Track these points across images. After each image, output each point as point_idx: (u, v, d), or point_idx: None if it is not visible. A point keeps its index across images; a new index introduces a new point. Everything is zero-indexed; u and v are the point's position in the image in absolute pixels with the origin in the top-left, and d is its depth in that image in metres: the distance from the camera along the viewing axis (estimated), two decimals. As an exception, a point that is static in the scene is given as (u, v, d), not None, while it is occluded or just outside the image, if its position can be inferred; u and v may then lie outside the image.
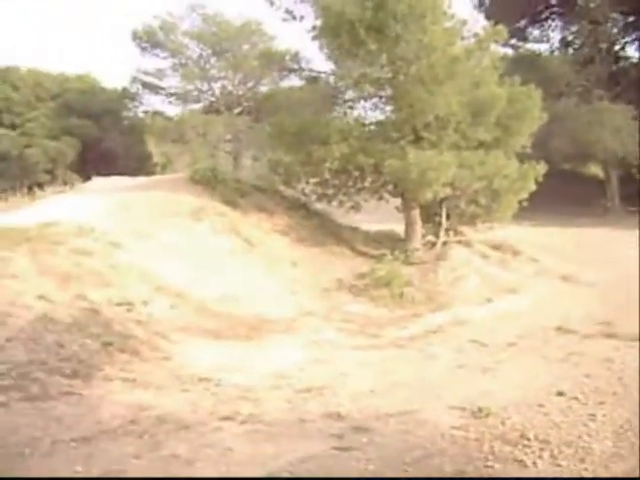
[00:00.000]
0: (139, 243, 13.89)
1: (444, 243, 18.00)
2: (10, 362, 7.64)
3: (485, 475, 5.41)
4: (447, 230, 18.42)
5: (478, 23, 16.98)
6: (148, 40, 34.97)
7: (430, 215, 18.58)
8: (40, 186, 20.43)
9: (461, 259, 16.94)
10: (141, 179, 20.42)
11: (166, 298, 11.85)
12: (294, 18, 16.71)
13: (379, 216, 21.04)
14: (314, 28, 16.14)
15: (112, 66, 70.02)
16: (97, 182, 20.35)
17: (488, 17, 31.23)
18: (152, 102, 37.45)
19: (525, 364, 9.28)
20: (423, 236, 18.50)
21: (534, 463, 5.63)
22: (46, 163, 31.41)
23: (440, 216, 18.16)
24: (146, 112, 37.99)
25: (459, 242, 18.24)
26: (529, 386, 7.98)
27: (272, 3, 16.70)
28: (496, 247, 18.52)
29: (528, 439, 6.14)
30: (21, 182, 24.30)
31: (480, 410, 6.85)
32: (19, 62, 36.63)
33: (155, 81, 36.58)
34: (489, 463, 5.60)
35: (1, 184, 25.86)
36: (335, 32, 15.01)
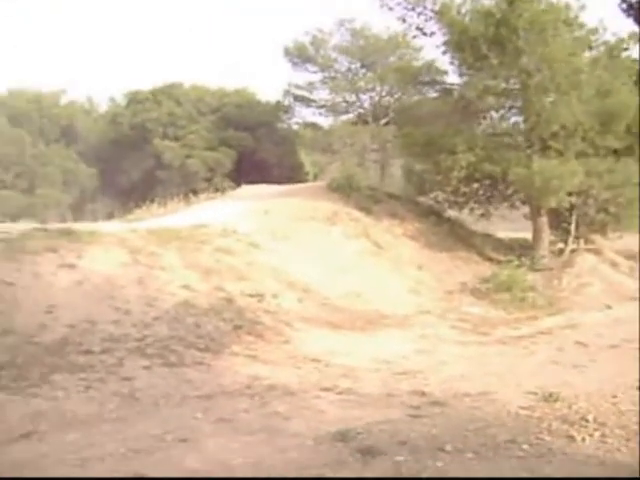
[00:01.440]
0: (275, 244, 15.40)
1: (572, 250, 18.27)
2: (155, 336, 9.31)
3: (535, 444, 6.18)
4: (576, 238, 18.66)
5: (607, 30, 17.01)
6: (299, 55, 36.89)
7: (560, 222, 18.89)
8: (196, 193, 22.65)
9: (588, 266, 17.18)
10: (284, 187, 22.08)
11: (295, 293, 13.24)
12: (424, 34, 17.70)
13: (522, 224, 21.47)
14: (444, 44, 17.15)
15: (267, 80, 73.65)
16: (245, 189, 22.30)
17: (638, 20, 30.61)
18: (303, 114, 39.40)
19: (618, 363, 9.69)
20: (553, 243, 18.84)
21: (583, 439, 6.30)
22: (205, 172, 34.14)
23: (569, 224, 18.43)
24: (298, 124, 40.04)
25: (588, 250, 18.42)
26: (611, 381, 8.48)
27: (404, 21, 17.77)
28: (630, 256, 18.48)
29: (586, 420, 6.78)
30: (181, 190, 26.80)
31: (551, 395, 7.55)
32: (183, 78, 39.79)
33: (306, 94, 38.41)
34: (540, 436, 6.35)
35: (163, 191, 28.64)
36: (459, 47, 15.92)
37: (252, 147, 35.86)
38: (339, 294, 13.76)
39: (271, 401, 7.43)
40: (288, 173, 35.84)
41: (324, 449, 5.87)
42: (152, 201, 20.33)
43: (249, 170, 34.31)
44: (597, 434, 6.46)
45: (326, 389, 8.05)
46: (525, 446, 6.06)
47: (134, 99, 37.85)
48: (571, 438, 6.35)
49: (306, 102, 38.71)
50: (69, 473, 5.56)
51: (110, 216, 20.86)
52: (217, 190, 22.91)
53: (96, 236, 12.31)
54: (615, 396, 7.74)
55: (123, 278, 11.05)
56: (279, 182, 24.95)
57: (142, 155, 35.16)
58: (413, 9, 17.24)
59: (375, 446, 5.84)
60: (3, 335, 8.62)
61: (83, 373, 8.00)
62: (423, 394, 7.89)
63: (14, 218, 31.09)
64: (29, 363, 8.13)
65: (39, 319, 9.25)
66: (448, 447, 5.93)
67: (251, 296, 12.02)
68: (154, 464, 5.64)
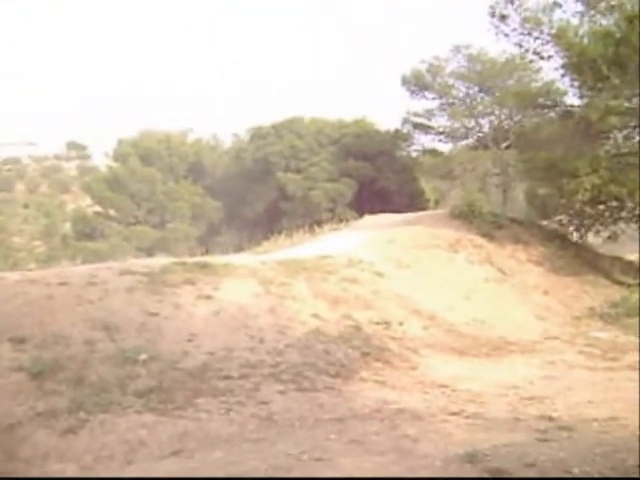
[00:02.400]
0: (399, 272, 15.76)
1: None
2: (288, 363, 9.87)
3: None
4: None
5: None
6: (416, 83, 37.27)
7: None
8: (319, 224, 23.41)
9: None
10: (405, 215, 22.44)
11: (420, 320, 13.52)
12: (542, 58, 17.67)
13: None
14: (562, 67, 17.08)
15: (385, 109, 74.67)
16: (367, 219, 22.83)
17: None
18: (422, 141, 39.60)
19: None
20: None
21: None
22: (327, 203, 35.05)
23: None
24: (417, 151, 40.25)
25: None
26: None
27: (520, 46, 17.81)
28: None
29: None
30: (304, 221, 27.72)
31: (684, 420, 7.46)
32: (303, 112, 41.22)
33: (424, 121, 38.67)
34: (673, 460, 6.34)
35: (288, 223, 29.71)
36: (578, 69, 15.82)
37: (372, 176, 36.44)
38: (464, 321, 13.93)
39: (400, 424, 7.75)
40: (409, 201, 36.14)
41: (453, 469, 6.12)
42: (279, 233, 21.23)
43: (370, 199, 34.90)
44: None
45: (453, 413, 8.29)
46: (656, 470, 6.08)
47: (257, 134, 39.49)
48: None
49: (425, 129, 38.85)
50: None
51: (239, 249, 21.90)
52: (340, 220, 23.54)
53: (230, 268, 13.11)
54: None
55: (256, 308, 11.72)
56: (400, 210, 25.29)
57: (266, 188, 36.51)
58: (529, 34, 17.27)
59: (503, 467, 6.04)
60: (150, 361, 9.39)
61: (223, 397, 8.63)
62: (550, 419, 7.98)
63: (148, 252, 33.09)
64: (174, 387, 8.85)
65: (181, 347, 10.00)
66: (576, 470, 6.04)
67: (378, 324, 12.43)
68: (294, 480, 6.12)
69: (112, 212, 41.50)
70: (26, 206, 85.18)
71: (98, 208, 43.12)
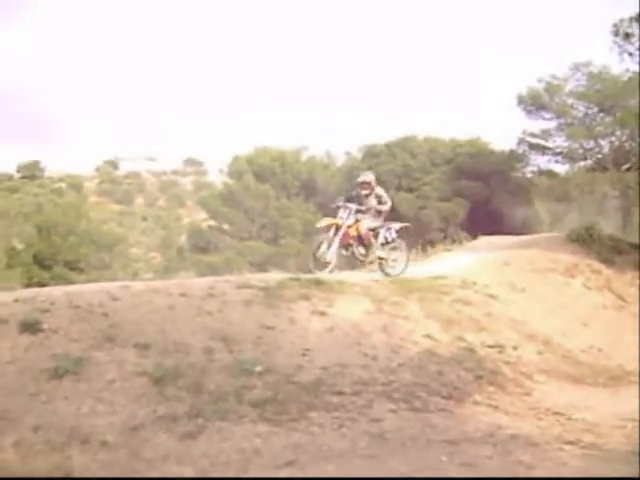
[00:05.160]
0: (514, 295, 15.53)
1: None
2: (400, 382, 9.93)
3: None
4: None
5: None
6: (533, 103, 36.53)
7: None
8: (431, 244, 23.35)
9: None
10: (520, 238, 22.07)
11: (534, 345, 13.27)
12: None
13: None
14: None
15: (500, 130, 73.43)
16: (481, 241, 22.57)
17: None
18: (538, 162, 38.71)
19: None
20: None
21: None
22: (439, 222, 34.89)
23: None
24: (533, 172, 39.39)
25: None
26: None
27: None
28: None
29: None
30: (415, 240, 27.66)
31: None
32: (416, 131, 41.23)
33: (541, 142, 37.81)
34: None
35: (399, 242, 29.71)
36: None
37: (485, 196, 36.01)
38: (580, 348, 13.59)
39: (514, 450, 7.68)
40: (522, 222, 35.42)
41: (570, 499, 6.06)
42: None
43: (482, 220, 34.41)
44: None
45: (569, 442, 8.13)
46: None
47: (369, 152, 39.84)
48: None
49: (541, 150, 37.98)
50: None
51: (351, 266, 22.07)
52: (453, 241, 23.42)
53: (344, 286, 13.30)
54: None
55: (369, 326, 11.85)
56: (513, 232, 24.84)
57: (377, 207, 36.57)
58: (655, 52, 16.75)
59: (622, 500, 5.93)
60: (266, 373, 9.66)
61: (336, 412, 8.78)
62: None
63: (260, 266, 33.87)
64: (288, 400, 9.06)
65: (296, 361, 10.23)
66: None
67: (491, 347, 12.29)
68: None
69: (226, 227, 42.82)
70: (144, 219, 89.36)
71: (213, 222, 44.57)
